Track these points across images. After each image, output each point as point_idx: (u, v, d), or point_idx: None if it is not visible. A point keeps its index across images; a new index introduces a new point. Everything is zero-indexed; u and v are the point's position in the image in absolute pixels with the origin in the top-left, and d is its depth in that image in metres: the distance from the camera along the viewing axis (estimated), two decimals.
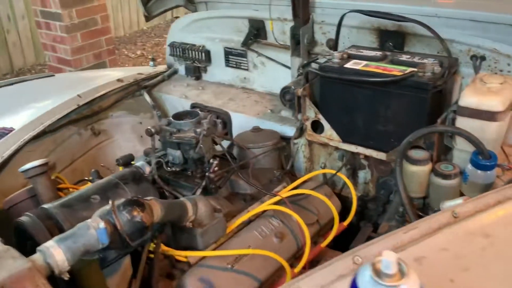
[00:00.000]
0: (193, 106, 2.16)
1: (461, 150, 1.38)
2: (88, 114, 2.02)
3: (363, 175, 1.78)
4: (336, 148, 1.75)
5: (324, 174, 1.80)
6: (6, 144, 1.62)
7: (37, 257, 0.90)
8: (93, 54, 4.56)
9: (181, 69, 2.47)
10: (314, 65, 1.68)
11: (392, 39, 1.71)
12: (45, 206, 1.19)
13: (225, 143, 1.74)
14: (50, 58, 4.59)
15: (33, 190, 1.36)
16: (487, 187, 1.31)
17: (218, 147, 1.61)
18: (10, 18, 6.11)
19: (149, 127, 1.47)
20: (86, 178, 1.56)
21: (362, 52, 1.64)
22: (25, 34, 6.29)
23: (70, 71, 4.48)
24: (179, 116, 1.52)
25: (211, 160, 1.46)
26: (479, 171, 1.30)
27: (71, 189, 1.50)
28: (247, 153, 1.72)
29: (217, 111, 2.08)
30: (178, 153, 1.48)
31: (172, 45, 2.42)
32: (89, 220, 0.99)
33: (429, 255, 0.97)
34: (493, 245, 1.00)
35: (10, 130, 1.69)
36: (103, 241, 0.97)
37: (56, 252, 0.90)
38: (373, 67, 1.53)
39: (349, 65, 1.57)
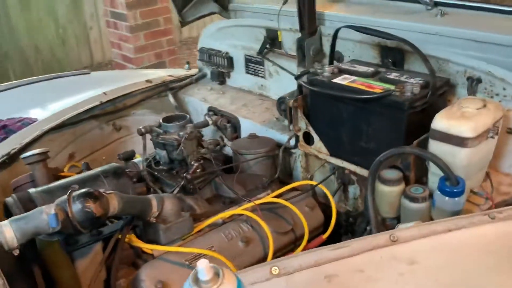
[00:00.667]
0: (209, 109, 2.27)
1: (434, 174, 1.34)
2: (111, 111, 2.21)
3: (353, 190, 1.76)
4: (327, 160, 1.76)
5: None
6: (27, 133, 1.83)
7: None
8: (154, 54, 4.86)
9: (208, 73, 2.59)
10: (308, 77, 1.70)
11: (392, 55, 1.68)
12: (30, 190, 1.36)
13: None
14: (116, 56, 4.98)
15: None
16: (455, 214, 1.26)
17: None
18: (94, 16, 6.69)
19: (140, 127, 1.60)
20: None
21: (355, 67, 1.63)
22: (105, 31, 6.88)
23: (132, 68, 4.83)
24: (168, 119, 1.63)
25: (192, 162, 1.55)
26: (446, 198, 1.26)
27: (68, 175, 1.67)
28: (239, 158, 1.79)
29: (228, 115, 2.16)
30: (163, 153, 1.60)
31: (202, 51, 2.55)
32: (44, 206, 1.13)
33: (342, 275, 0.98)
34: (413, 273, 0.98)
35: (34, 120, 1.91)
36: (52, 225, 1.10)
37: (6, 230, 1.05)
38: (358, 83, 1.52)
39: (337, 79, 1.57)
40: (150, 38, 4.76)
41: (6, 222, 1.07)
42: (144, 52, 4.77)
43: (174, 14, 7.40)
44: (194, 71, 2.72)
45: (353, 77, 1.57)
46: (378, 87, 1.47)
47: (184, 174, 1.53)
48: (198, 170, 1.57)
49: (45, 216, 1.10)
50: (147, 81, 2.42)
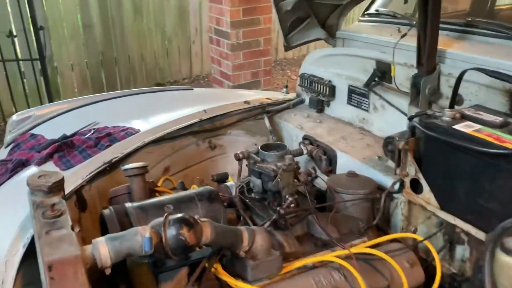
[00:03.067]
0: (305, 137, 2.18)
1: None
2: (208, 129, 2.21)
3: (461, 251, 1.56)
4: (435, 214, 1.58)
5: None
6: (129, 143, 1.88)
7: (87, 248, 1.04)
8: (251, 73, 4.93)
9: (307, 99, 2.52)
10: (422, 119, 1.55)
11: None
12: (127, 204, 1.36)
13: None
14: (214, 71, 5.12)
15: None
16: None
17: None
18: (198, 31, 7.00)
19: (238, 152, 1.55)
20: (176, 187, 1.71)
21: (480, 114, 1.45)
22: (206, 45, 7.15)
23: (229, 85, 4.93)
24: (267, 147, 1.57)
25: (287, 196, 1.47)
26: None
27: (164, 191, 1.68)
28: (335, 197, 1.68)
29: (325, 146, 2.06)
30: (258, 182, 1.53)
31: (303, 76, 2.49)
32: (140, 227, 1.11)
33: None
34: None
35: (137, 131, 1.96)
36: (146, 249, 1.08)
37: (102, 248, 1.04)
38: (484, 133, 1.34)
39: (459, 126, 1.41)
40: (248, 57, 4.83)
41: (102, 239, 1.06)
42: (241, 70, 4.85)
43: (274, 36, 7.50)
44: (291, 95, 2.67)
45: (478, 126, 1.39)
46: (508, 140, 1.29)
47: (277, 208, 1.45)
48: (292, 205, 1.48)
49: (139, 239, 1.08)
50: (245, 102, 2.40)
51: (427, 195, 1.53)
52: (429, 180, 1.52)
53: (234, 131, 2.31)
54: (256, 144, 2.36)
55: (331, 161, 2.04)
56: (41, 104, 4.95)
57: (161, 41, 6.68)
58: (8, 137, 2.09)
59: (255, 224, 1.52)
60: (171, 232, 1.10)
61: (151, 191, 1.65)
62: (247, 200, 1.58)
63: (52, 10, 5.68)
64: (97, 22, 6.00)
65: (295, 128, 2.30)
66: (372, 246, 1.49)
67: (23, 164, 1.82)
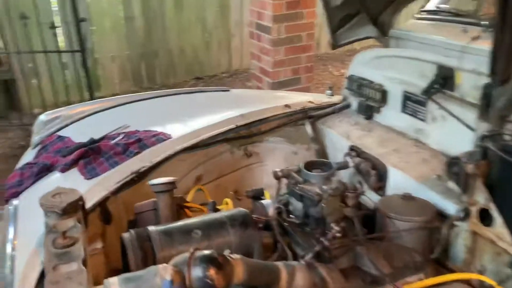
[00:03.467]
0: (351, 148, 1.97)
1: None
2: (244, 135, 2.04)
3: None
4: (507, 251, 1.34)
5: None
6: (160, 150, 1.73)
7: None
8: (292, 69, 4.71)
9: (354, 104, 2.29)
10: (497, 139, 1.31)
11: None
12: (150, 228, 1.21)
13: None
14: (254, 67, 4.94)
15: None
16: None
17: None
18: (238, 25, 6.84)
19: (277, 170, 1.37)
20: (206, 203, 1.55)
21: None
22: (246, 40, 6.98)
23: (268, 82, 4.73)
24: (311, 165, 1.37)
25: (332, 225, 1.27)
26: None
27: (193, 207, 1.52)
28: (387, 223, 1.46)
29: (374, 160, 1.84)
30: (299, 205, 1.34)
31: (351, 78, 2.26)
32: (160, 266, 0.94)
33: None
34: None
35: (168, 137, 1.81)
36: None
37: None
38: None
39: None
40: (289, 53, 4.61)
41: (116, 280, 0.91)
42: (281, 67, 4.64)
43: (317, 31, 7.25)
44: (337, 98, 2.45)
45: None
46: None
47: (321, 239, 1.25)
48: (338, 235, 1.28)
49: (158, 281, 0.92)
50: (286, 106, 2.20)
51: (499, 229, 1.29)
52: (503, 212, 1.28)
53: (272, 138, 2.12)
54: (296, 153, 2.17)
55: (381, 176, 1.82)
56: (81, 95, 4.96)
57: (201, 34, 6.56)
58: (35, 138, 2.00)
59: (293, 252, 1.33)
60: (196, 273, 0.94)
61: (180, 206, 1.50)
62: (286, 224, 1.39)
63: (94, 2, 5.67)
64: (138, 15, 5.95)
65: (340, 136, 2.09)
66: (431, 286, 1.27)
67: (47, 169, 1.72)
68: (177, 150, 1.76)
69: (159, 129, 1.92)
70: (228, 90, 2.43)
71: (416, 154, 1.85)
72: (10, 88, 5.26)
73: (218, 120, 1.98)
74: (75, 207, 1.10)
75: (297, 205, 1.34)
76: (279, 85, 4.69)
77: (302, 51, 4.66)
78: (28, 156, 1.94)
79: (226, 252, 1.01)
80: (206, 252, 0.97)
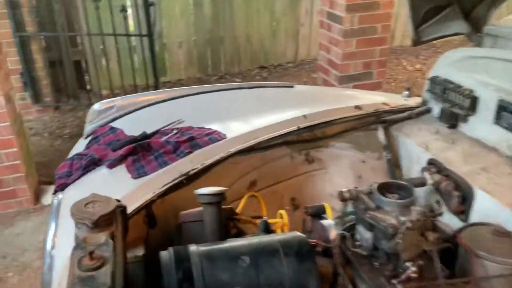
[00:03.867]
0: (431, 162, 1.70)
1: None
2: (307, 138, 1.83)
3: None
4: None
5: None
6: (213, 152, 1.58)
7: None
8: (363, 63, 4.40)
9: (436, 109, 2.00)
10: None
11: None
12: (192, 248, 1.05)
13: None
14: (322, 58, 4.67)
15: None
16: None
17: None
18: (308, 13, 6.56)
19: (343, 190, 1.15)
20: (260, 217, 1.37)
21: None
22: (315, 29, 6.69)
23: (336, 75, 4.46)
24: (385, 188, 1.15)
25: (408, 264, 1.05)
26: None
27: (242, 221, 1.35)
28: (474, 263, 1.20)
29: (458, 179, 1.57)
30: (368, 235, 1.12)
31: (434, 80, 1.97)
32: None
33: None
34: None
35: (223, 137, 1.65)
36: None
37: None
38: None
39: None
40: (362, 46, 4.29)
41: None
42: (352, 60, 4.34)
43: (402, 20, 6.78)
44: (415, 101, 2.16)
45: None
46: None
47: (393, 281, 1.03)
48: (413, 275, 1.05)
49: None
50: (356, 107, 1.96)
51: None
52: None
53: (339, 144, 1.90)
54: (364, 162, 1.93)
55: (465, 199, 1.55)
56: (147, 80, 4.96)
57: (268, 22, 6.38)
58: (88, 128, 1.93)
59: None
60: None
61: (229, 219, 1.33)
62: (350, 254, 1.18)
63: None
64: (207, 1, 5.88)
65: (418, 146, 1.82)
66: None
67: (95, 163, 1.63)
68: (231, 153, 1.59)
69: (214, 126, 1.76)
70: (292, 86, 2.23)
71: (509, 177, 1.56)
72: (81, 68, 5.41)
73: (279, 120, 1.79)
74: (109, 220, 0.97)
75: (365, 234, 1.12)
76: (347, 79, 4.40)
77: (376, 43, 4.32)
78: (80, 145, 1.87)
79: None
80: None
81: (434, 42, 7.68)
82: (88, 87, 5.45)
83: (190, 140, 1.63)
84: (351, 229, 1.25)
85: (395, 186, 1.15)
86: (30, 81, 4.77)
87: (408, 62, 7.06)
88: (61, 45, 5.10)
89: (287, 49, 6.70)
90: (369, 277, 1.12)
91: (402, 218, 1.04)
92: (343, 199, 1.14)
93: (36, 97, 4.93)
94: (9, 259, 3.03)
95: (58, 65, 5.04)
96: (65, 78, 5.22)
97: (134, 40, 5.22)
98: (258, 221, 1.40)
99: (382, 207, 1.09)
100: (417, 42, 2.12)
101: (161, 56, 5.88)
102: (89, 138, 1.86)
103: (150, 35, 4.62)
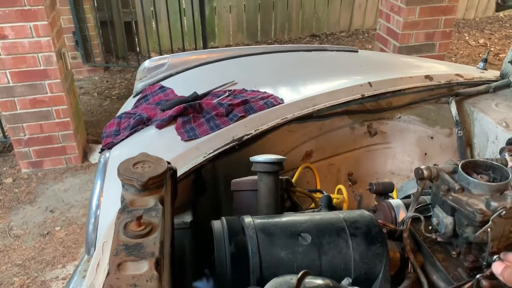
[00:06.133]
0: (510, 142, 1.50)
1: None
2: (371, 109, 1.67)
3: None
4: None
5: None
6: (268, 117, 1.45)
7: None
8: (425, 33, 4.08)
9: None
10: None
11: None
12: (247, 220, 0.94)
13: None
14: (380, 27, 4.38)
15: None
16: None
17: None
18: None
19: (421, 167, 1.00)
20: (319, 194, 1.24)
21: None
22: None
23: (395, 45, 4.17)
24: (473, 166, 0.98)
25: (495, 258, 0.89)
26: None
27: (298, 194, 1.23)
28: None
29: None
30: (448, 220, 0.97)
31: None
32: None
33: None
34: None
35: (279, 102, 1.52)
36: None
37: None
38: None
39: None
40: (426, 14, 3.97)
41: None
42: (413, 29, 4.03)
43: None
44: (491, 74, 1.93)
45: None
46: None
47: (479, 276, 0.89)
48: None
49: None
50: (427, 77, 1.77)
51: None
52: None
53: (406, 116, 1.72)
54: (432, 138, 1.75)
55: None
56: (196, 44, 4.87)
57: None
58: (137, 86, 1.84)
59: (429, 281, 0.98)
60: None
61: (286, 192, 1.22)
62: (422, 240, 1.04)
63: None
64: None
65: (495, 124, 1.62)
66: None
67: (144, 123, 1.54)
68: (287, 120, 1.46)
69: (269, 90, 1.63)
70: (356, 51, 2.04)
71: None
72: (131, 30, 5.37)
73: (341, 86, 1.63)
74: (159, 183, 0.88)
75: (444, 219, 0.97)
76: (407, 50, 4.11)
77: (442, 12, 3.98)
78: (129, 104, 1.80)
79: (345, 282, 0.71)
80: (321, 282, 0.68)
81: (501, 15, 7.08)
82: (137, 49, 5.42)
83: (244, 103, 1.50)
84: (423, 211, 1.10)
85: (483, 166, 0.99)
86: (81, 40, 4.78)
87: (471, 36, 6.58)
88: (113, 5, 5.07)
89: (341, 17, 6.39)
90: (445, 266, 0.98)
91: (494, 204, 0.88)
92: (421, 177, 0.99)
93: (87, 57, 4.95)
94: (57, 214, 3.09)
95: (109, 26, 5.02)
96: (115, 39, 5.21)
97: (184, 3, 5.10)
98: (316, 195, 1.28)
99: (468, 189, 0.94)
100: (502, 6, 1.87)
101: (211, 20, 5.74)
102: (138, 96, 1.78)
103: None
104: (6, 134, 3.65)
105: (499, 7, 1.90)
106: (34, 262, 2.72)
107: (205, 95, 1.64)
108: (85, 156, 3.61)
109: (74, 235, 2.92)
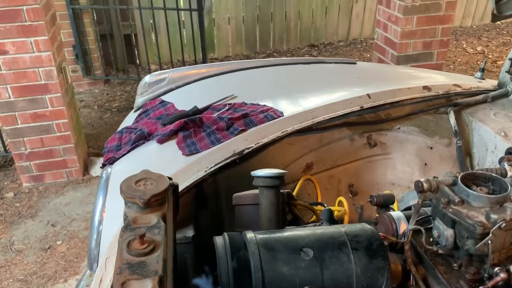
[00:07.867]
0: (510, 152, 1.51)
1: None
2: (370, 120, 1.68)
3: None
4: None
5: None
6: (268, 130, 1.47)
7: None
8: (423, 42, 4.11)
9: None
10: None
11: None
12: (249, 235, 0.95)
13: None
14: (378, 37, 4.41)
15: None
16: None
17: None
18: None
19: (421, 180, 1.01)
20: (320, 205, 1.25)
21: None
22: (369, 7, 6.36)
23: (393, 54, 4.20)
24: (472, 178, 0.99)
25: (496, 270, 0.90)
26: None
27: (299, 207, 1.23)
28: None
29: None
30: (449, 232, 0.98)
31: None
32: None
33: None
34: None
35: (279, 115, 1.53)
36: None
37: None
38: None
39: None
40: (423, 24, 4.00)
41: None
42: (411, 38, 4.06)
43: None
44: (489, 83, 1.95)
45: None
46: None
47: None
48: (500, 284, 0.91)
49: None
50: (425, 87, 1.78)
51: None
52: None
53: (405, 127, 1.73)
54: (432, 148, 1.76)
55: None
56: (195, 55, 4.90)
57: None
58: (138, 100, 1.86)
59: None
60: None
61: (286, 204, 1.22)
62: (423, 252, 1.04)
63: None
64: None
65: (494, 133, 1.63)
66: None
67: (145, 138, 1.55)
68: (287, 132, 1.47)
69: (269, 103, 1.65)
70: (354, 63, 2.06)
71: None
72: (131, 42, 5.41)
73: (340, 99, 1.65)
74: (161, 200, 0.89)
75: (445, 231, 0.98)
76: (405, 59, 4.14)
77: (439, 21, 4.02)
78: (130, 118, 1.81)
79: None
80: None
81: (498, 23, 7.12)
82: (137, 61, 5.46)
83: (244, 117, 1.52)
84: (424, 223, 1.11)
85: (482, 178, 1.00)
86: (81, 54, 4.82)
87: (469, 44, 6.62)
88: (112, 19, 5.11)
89: (339, 26, 6.43)
90: (447, 278, 0.98)
91: (494, 216, 0.89)
92: (421, 190, 1.00)
93: (87, 70, 4.98)
94: (58, 228, 3.09)
95: (109, 39, 5.06)
96: (115, 52, 5.25)
97: (183, 15, 5.14)
98: (317, 208, 1.29)
99: (468, 201, 0.94)
100: (497, 17, 1.89)
101: (210, 32, 5.79)
102: (139, 111, 1.79)
103: (200, 10, 4.51)
104: (7, 148, 3.67)
105: (495, 18, 1.92)
106: (36, 277, 2.71)
107: (205, 109, 1.65)
108: (86, 169, 3.62)
109: (76, 249, 2.92)
